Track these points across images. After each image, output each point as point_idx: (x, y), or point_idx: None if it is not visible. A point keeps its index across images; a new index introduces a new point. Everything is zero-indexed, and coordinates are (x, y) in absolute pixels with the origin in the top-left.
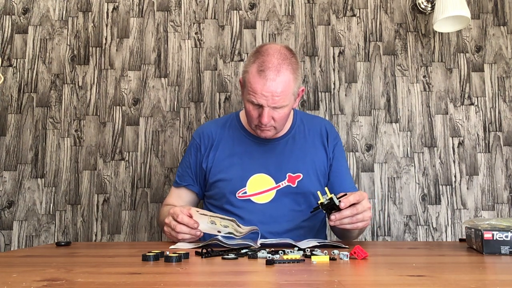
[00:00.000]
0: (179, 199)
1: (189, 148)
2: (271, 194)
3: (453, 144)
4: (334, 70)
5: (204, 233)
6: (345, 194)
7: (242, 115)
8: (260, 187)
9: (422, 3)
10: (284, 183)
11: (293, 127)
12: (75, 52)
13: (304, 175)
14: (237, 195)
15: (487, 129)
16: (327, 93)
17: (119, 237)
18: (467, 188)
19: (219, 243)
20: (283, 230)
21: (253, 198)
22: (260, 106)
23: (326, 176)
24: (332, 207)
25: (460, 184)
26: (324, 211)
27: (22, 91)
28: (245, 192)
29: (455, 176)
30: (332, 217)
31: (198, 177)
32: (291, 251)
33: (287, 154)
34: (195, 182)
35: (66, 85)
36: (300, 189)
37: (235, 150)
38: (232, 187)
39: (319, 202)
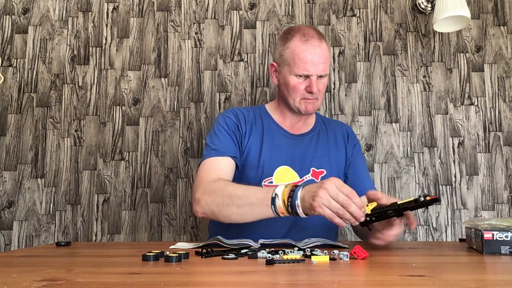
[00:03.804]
0: (225, 170)
1: (224, 125)
2: None
3: (453, 144)
4: (334, 70)
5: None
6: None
7: (268, 107)
8: (285, 179)
9: (422, 3)
10: (308, 177)
11: (317, 125)
12: (75, 52)
13: (327, 171)
14: (263, 183)
15: (487, 129)
16: (327, 93)
17: (119, 237)
18: (467, 188)
19: (219, 243)
20: (306, 226)
21: (276, 184)
22: (307, 77)
23: (344, 176)
24: (379, 216)
25: (460, 184)
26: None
27: (22, 91)
28: (271, 182)
29: (455, 176)
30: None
31: (240, 152)
32: (291, 251)
33: (312, 149)
34: (239, 156)
35: (66, 85)
36: None
37: (265, 139)
38: (260, 175)
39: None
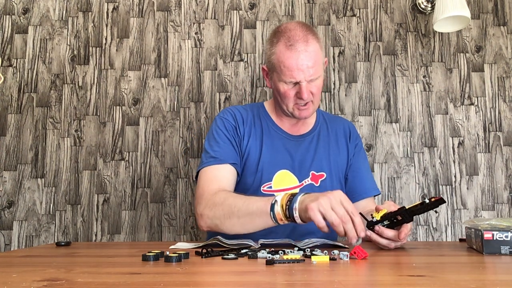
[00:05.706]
0: (226, 180)
1: (223, 128)
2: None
3: (453, 144)
4: (334, 70)
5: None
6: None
7: (267, 105)
8: (284, 184)
9: (422, 3)
10: (307, 181)
11: (317, 125)
12: (75, 52)
13: (327, 175)
14: (262, 188)
15: (487, 129)
16: (327, 93)
17: (119, 237)
18: (467, 188)
19: (219, 243)
20: (305, 231)
21: (277, 194)
22: (296, 84)
23: (344, 178)
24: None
25: (460, 184)
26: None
27: (22, 91)
28: (270, 187)
29: (455, 176)
30: (374, 230)
31: (240, 157)
32: (291, 251)
33: (312, 151)
34: (239, 162)
35: (66, 85)
36: (323, 189)
37: (264, 141)
38: (259, 180)
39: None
